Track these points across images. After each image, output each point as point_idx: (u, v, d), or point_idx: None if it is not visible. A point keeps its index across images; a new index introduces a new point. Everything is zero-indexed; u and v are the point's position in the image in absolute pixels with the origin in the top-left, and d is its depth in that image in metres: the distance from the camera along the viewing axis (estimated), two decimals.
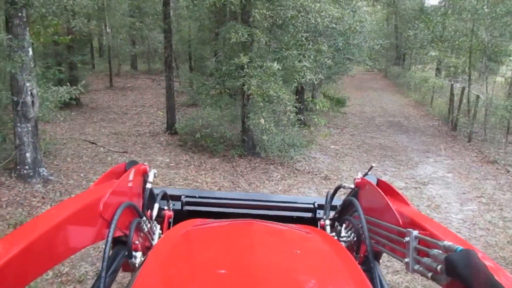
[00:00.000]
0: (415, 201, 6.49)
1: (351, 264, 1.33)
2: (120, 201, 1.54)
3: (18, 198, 5.26)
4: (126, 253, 1.60)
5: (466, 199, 6.72)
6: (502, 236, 5.41)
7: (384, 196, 1.55)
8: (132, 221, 1.65)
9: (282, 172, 7.40)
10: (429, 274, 1.08)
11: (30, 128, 5.70)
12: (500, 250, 5.03)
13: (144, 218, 1.77)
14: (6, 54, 5.05)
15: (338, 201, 2.20)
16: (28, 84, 5.43)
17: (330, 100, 14.04)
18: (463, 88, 12.32)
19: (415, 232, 1.22)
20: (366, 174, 1.96)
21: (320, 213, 2.35)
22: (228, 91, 8.66)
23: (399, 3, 24.77)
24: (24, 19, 5.34)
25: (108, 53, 18.43)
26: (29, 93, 5.53)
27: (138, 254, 1.65)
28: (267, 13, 6.14)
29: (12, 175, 5.81)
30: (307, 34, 6.62)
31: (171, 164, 7.55)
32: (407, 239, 1.24)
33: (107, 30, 18.27)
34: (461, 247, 0.96)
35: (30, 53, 5.52)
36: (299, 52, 6.57)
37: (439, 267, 1.02)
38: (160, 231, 1.98)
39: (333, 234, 1.94)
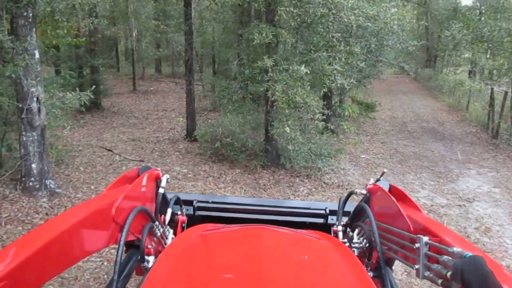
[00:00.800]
0: (461, 222, 5.72)
1: (359, 271, 1.32)
2: (132, 206, 1.56)
3: (20, 214, 4.82)
4: (139, 257, 1.62)
5: None
6: None
7: (396, 202, 1.55)
8: (145, 225, 1.67)
9: (308, 186, 6.74)
10: (439, 281, 1.07)
11: (36, 137, 5.28)
12: None
13: (157, 222, 1.79)
14: (9, 57, 4.62)
15: (350, 206, 2.20)
16: (33, 89, 5.01)
17: (359, 105, 13.30)
18: (506, 93, 11.37)
19: (426, 238, 1.22)
20: (378, 179, 1.94)
21: (332, 219, 2.37)
22: (251, 96, 8.07)
23: (431, 3, 23.63)
24: (30, 19, 4.91)
25: (131, 56, 18.26)
26: (35, 99, 5.10)
27: (151, 259, 1.65)
28: (295, 11, 5.52)
29: (17, 187, 5.40)
30: (338, 34, 5.96)
31: (189, 175, 7.02)
32: (417, 245, 1.23)
33: (133, 33, 18.15)
34: (470, 254, 0.96)
35: (37, 55, 5.09)
36: (329, 54, 5.91)
37: (449, 274, 1.01)
38: (173, 236, 2.00)
39: (345, 240, 1.94)
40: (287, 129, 6.36)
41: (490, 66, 12.25)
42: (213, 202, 2.56)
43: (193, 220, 2.29)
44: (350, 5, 5.60)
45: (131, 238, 1.55)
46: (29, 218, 4.76)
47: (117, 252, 1.33)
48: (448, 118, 14.63)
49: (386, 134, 11.80)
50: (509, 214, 6.09)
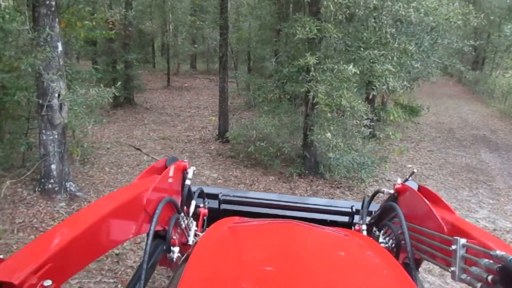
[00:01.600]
0: None
1: (399, 270, 1.27)
2: (161, 197, 1.60)
3: (35, 221, 4.42)
4: (165, 247, 1.67)
5: None
6: None
7: (427, 202, 1.54)
8: (171, 216, 1.74)
9: (350, 199, 6.04)
10: (478, 285, 1.05)
11: (56, 136, 4.88)
12: None
13: (182, 214, 1.85)
14: (28, 49, 4.22)
15: (374, 206, 2.22)
16: (54, 84, 4.60)
17: (403, 108, 12.39)
18: None
19: (463, 241, 1.18)
20: (406, 179, 1.92)
21: (356, 218, 2.37)
22: (288, 96, 7.44)
23: (483, 1, 22.08)
24: (53, 8, 4.49)
25: (167, 52, 18.05)
26: (56, 95, 4.70)
27: (176, 249, 1.71)
28: (343, 2, 4.84)
29: (36, 189, 5.04)
30: (393, 30, 5.23)
31: (219, 181, 6.48)
32: (454, 247, 1.19)
33: (169, 28, 17.92)
34: None
35: (60, 48, 4.67)
36: (380, 52, 5.19)
37: (490, 278, 0.99)
38: (196, 228, 2.06)
39: None
40: (329, 134, 5.72)
41: None
42: (237, 196, 2.59)
43: (217, 214, 2.27)
44: None
45: (157, 228, 1.55)
46: (43, 225, 4.35)
47: (146, 241, 1.34)
48: (501, 125, 13.42)
49: (433, 141, 10.87)
50: None
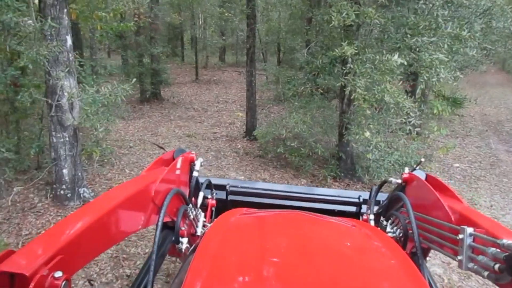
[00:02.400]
0: None
1: (402, 257, 1.29)
2: (168, 188, 1.63)
3: (43, 232, 4.06)
4: (173, 238, 1.70)
5: None
6: None
7: (435, 191, 1.54)
8: (179, 207, 1.75)
9: None
10: (485, 273, 1.04)
11: (67, 139, 4.48)
12: None
13: (190, 205, 1.88)
14: (31, 43, 3.80)
15: (381, 196, 2.19)
16: (62, 82, 4.18)
17: (446, 100, 11.42)
18: None
19: (470, 229, 1.18)
20: (414, 169, 1.90)
21: (363, 208, 2.38)
22: (320, 91, 6.78)
23: None
24: None
25: (195, 45, 17.66)
26: (65, 94, 4.28)
27: (184, 240, 1.71)
28: None
29: (48, 195, 4.68)
30: (445, 12, 4.49)
31: None
32: (461, 236, 1.19)
33: (199, 21, 17.53)
34: None
35: (69, 42, 4.25)
36: (430, 39, 4.46)
37: (497, 266, 0.98)
38: (204, 219, 2.07)
39: None
40: (368, 134, 5.06)
41: None
42: (244, 187, 2.57)
43: (225, 204, 2.32)
44: None
45: (166, 219, 1.55)
46: None
47: (155, 232, 1.36)
48: None
49: (480, 135, 9.94)
50: None
